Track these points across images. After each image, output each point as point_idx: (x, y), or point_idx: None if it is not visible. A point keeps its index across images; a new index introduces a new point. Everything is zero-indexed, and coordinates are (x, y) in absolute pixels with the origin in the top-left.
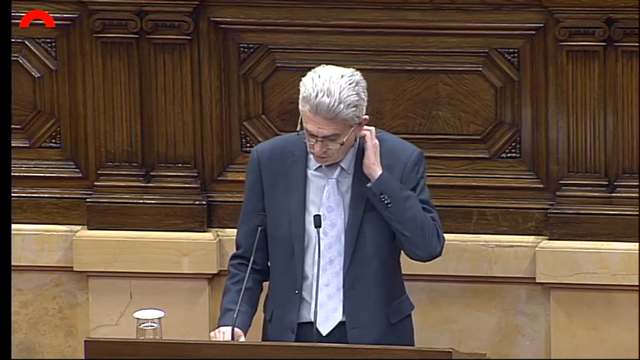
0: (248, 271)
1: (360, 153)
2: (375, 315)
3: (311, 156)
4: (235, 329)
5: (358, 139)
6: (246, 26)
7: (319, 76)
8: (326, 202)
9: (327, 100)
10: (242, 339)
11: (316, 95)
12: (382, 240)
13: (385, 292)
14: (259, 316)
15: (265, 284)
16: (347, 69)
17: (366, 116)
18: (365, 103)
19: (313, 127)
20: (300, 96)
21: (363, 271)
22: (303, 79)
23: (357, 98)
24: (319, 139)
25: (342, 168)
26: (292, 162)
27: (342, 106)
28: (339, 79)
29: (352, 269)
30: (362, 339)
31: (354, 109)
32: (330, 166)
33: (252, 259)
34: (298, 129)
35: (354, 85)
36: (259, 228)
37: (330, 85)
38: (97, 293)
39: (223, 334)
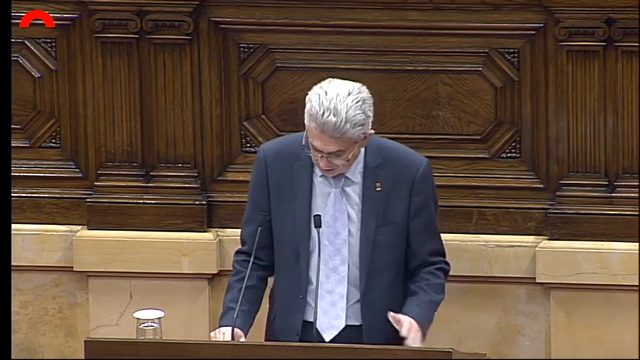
0: (249, 269)
1: (366, 162)
2: (387, 327)
3: None
4: (235, 329)
5: (363, 148)
6: (246, 26)
7: (326, 93)
8: (330, 210)
9: (334, 120)
10: (242, 339)
11: (322, 114)
12: (395, 254)
13: (397, 304)
14: (261, 314)
15: (270, 279)
16: (354, 84)
17: (372, 131)
18: (371, 120)
19: (319, 143)
20: (306, 112)
21: (376, 284)
22: (309, 93)
23: (363, 117)
24: (324, 155)
25: (347, 177)
26: (299, 166)
27: (348, 125)
28: (345, 97)
29: (367, 282)
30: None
31: (360, 127)
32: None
33: (252, 258)
34: (303, 143)
35: (360, 103)
36: (259, 228)
37: (337, 103)
38: (97, 293)
39: (223, 334)
